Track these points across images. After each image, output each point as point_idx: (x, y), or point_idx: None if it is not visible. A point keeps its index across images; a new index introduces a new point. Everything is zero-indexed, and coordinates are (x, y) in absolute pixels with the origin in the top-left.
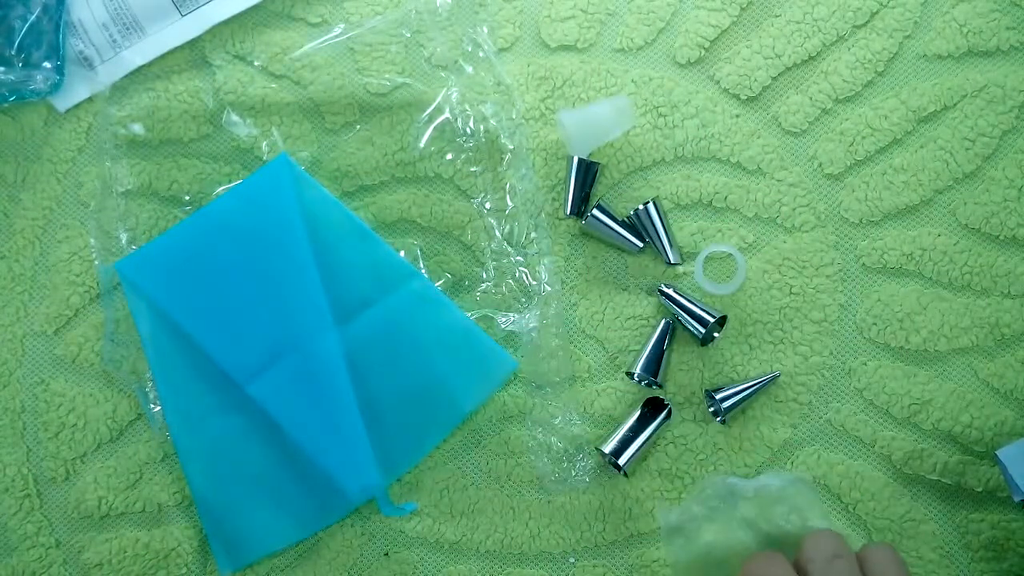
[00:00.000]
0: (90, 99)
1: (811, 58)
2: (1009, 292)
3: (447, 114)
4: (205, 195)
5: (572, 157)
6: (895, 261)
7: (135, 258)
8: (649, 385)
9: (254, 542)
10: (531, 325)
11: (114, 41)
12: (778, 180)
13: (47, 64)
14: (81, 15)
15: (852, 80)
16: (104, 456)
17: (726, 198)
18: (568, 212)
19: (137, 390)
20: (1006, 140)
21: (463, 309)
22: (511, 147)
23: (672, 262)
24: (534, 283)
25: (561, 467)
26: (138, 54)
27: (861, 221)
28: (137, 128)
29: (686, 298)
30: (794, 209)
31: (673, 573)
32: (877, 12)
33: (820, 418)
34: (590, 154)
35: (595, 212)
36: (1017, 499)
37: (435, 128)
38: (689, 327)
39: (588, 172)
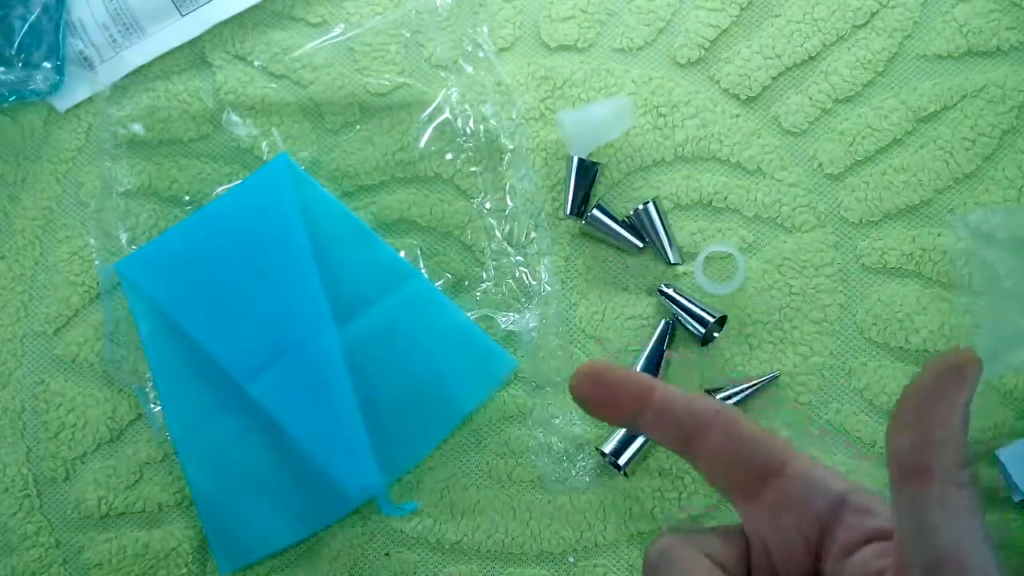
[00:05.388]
0: (90, 99)
1: (811, 58)
2: None
3: (447, 114)
4: (205, 195)
5: (572, 157)
6: (895, 261)
7: (135, 258)
8: None
9: (254, 542)
10: (531, 325)
11: (114, 41)
12: (778, 180)
13: (47, 64)
14: (81, 15)
15: (852, 80)
16: (104, 456)
17: (726, 198)
18: (568, 212)
19: (137, 390)
20: (1006, 140)
21: (463, 309)
22: (511, 147)
23: (672, 262)
24: (534, 283)
25: (561, 467)
26: (138, 54)
27: (861, 221)
28: (137, 128)
29: (686, 298)
30: (794, 209)
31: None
32: (877, 12)
33: (820, 418)
34: (590, 154)
35: (595, 212)
36: (1017, 499)
37: (435, 128)
38: (689, 327)
39: (588, 172)
